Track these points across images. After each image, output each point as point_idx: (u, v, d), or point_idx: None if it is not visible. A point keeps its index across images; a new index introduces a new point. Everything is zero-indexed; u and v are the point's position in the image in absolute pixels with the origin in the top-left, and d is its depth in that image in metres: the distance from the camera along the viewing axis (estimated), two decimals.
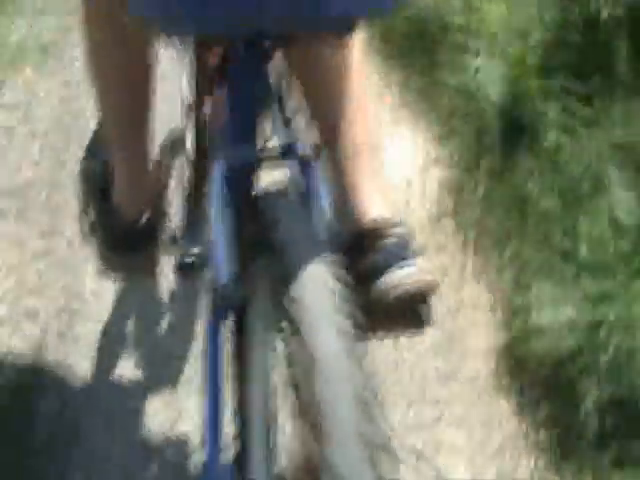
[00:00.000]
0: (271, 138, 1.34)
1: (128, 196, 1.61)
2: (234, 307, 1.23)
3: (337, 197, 1.33)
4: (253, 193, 1.25)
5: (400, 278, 1.34)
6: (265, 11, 1.07)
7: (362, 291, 1.25)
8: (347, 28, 1.20)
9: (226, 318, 1.27)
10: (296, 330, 1.00)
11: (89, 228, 1.74)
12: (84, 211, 1.75)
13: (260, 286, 1.18)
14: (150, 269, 1.75)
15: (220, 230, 1.21)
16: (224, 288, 1.19)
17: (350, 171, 1.41)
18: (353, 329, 1.01)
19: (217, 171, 1.25)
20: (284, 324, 1.05)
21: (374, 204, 1.39)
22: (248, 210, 1.20)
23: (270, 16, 1.08)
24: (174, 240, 1.68)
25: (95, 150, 1.72)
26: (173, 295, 2.15)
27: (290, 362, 1.04)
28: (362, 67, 1.45)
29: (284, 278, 1.03)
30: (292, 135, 1.40)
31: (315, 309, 1.00)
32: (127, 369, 2.07)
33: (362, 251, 1.35)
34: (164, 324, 2.16)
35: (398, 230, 1.37)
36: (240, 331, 1.25)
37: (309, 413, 0.96)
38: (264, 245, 1.12)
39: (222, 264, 1.20)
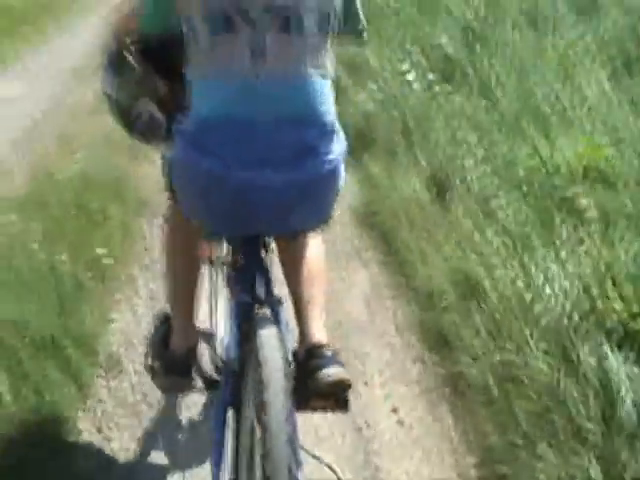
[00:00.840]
0: (259, 287, 2.39)
1: (179, 341, 2.71)
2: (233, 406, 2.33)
3: (297, 326, 2.50)
4: (250, 322, 2.24)
5: (330, 374, 2.33)
6: (262, 224, 2.33)
7: (307, 382, 2.32)
8: (307, 233, 2.51)
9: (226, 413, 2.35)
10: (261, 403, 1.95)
11: (152, 365, 2.80)
12: (150, 353, 2.82)
13: (247, 390, 2.21)
14: (189, 387, 2.82)
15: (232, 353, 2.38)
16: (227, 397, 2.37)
17: (305, 312, 2.51)
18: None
19: (231, 307, 2.50)
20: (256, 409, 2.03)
21: (319, 332, 2.47)
22: (247, 333, 2.23)
23: (264, 227, 2.36)
24: (205, 371, 2.77)
25: (161, 318, 2.86)
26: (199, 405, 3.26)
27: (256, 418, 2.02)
28: (320, 249, 2.63)
29: (260, 383, 1.98)
30: (271, 286, 2.46)
31: (272, 390, 1.95)
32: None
33: (310, 358, 2.37)
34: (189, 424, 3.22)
35: (330, 348, 2.42)
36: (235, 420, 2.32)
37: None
38: (253, 359, 2.10)
39: (228, 387, 2.37)
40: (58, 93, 7.47)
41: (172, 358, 2.72)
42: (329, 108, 2.29)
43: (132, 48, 2.50)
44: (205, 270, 2.97)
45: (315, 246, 2.61)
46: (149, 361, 2.81)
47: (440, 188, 4.79)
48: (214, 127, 2.21)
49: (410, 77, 6.47)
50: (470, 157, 4.94)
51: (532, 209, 4.27)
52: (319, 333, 2.46)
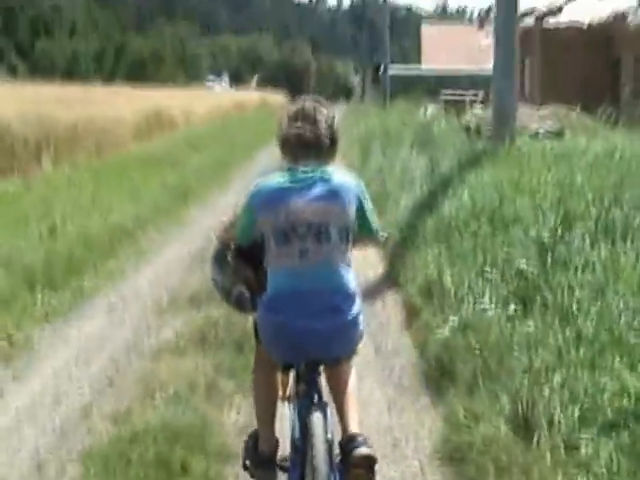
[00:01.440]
0: (314, 395, 3.92)
1: (264, 446, 4.14)
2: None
3: (339, 422, 3.95)
4: (309, 417, 3.73)
5: (361, 451, 3.74)
6: (313, 354, 3.84)
7: (347, 457, 3.75)
8: (344, 358, 3.98)
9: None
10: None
11: (245, 463, 4.27)
12: (244, 455, 4.28)
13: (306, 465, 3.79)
14: (273, 477, 4.19)
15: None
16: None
17: (345, 412, 3.95)
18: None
19: (297, 409, 3.97)
20: None
21: (355, 426, 3.89)
22: (306, 424, 3.74)
23: (314, 355, 3.84)
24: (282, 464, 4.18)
25: (252, 432, 4.28)
26: None
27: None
28: (353, 374, 4.08)
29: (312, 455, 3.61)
30: (321, 394, 3.94)
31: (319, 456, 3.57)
32: None
33: (349, 442, 3.77)
34: None
35: (362, 435, 3.82)
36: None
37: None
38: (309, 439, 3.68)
39: (296, 466, 3.92)
40: (139, 330, 7.57)
41: (260, 458, 4.20)
42: (350, 284, 3.92)
43: (230, 250, 4.15)
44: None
45: (350, 371, 4.11)
46: (244, 461, 4.28)
47: (523, 427, 4.68)
48: (280, 297, 3.86)
49: (486, 300, 6.46)
50: (552, 391, 4.83)
51: (625, 455, 4.13)
52: (354, 426, 3.92)
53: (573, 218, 7.81)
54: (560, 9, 33.82)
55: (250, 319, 4.31)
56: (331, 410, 3.90)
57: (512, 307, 6.26)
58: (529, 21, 33.00)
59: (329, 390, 4.05)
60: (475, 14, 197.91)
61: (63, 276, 9.11)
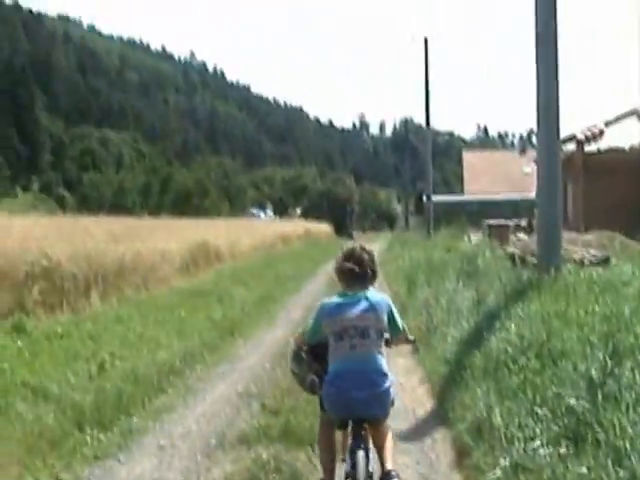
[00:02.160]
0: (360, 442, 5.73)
1: None
2: None
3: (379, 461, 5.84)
4: (355, 457, 5.62)
5: None
6: (359, 414, 5.69)
7: None
8: (381, 417, 5.81)
9: None
10: None
11: None
12: None
13: None
14: None
15: None
16: None
17: (383, 455, 5.79)
18: None
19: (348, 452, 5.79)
20: None
21: (390, 464, 5.72)
22: (354, 462, 5.61)
23: (361, 414, 5.70)
24: None
25: None
26: None
27: None
28: (388, 431, 5.95)
29: None
30: (367, 441, 5.83)
31: None
32: None
33: (385, 476, 5.62)
34: None
35: (395, 471, 5.67)
36: None
37: None
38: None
39: None
40: (189, 471, 7.55)
41: None
42: (383, 367, 5.72)
43: (303, 349, 6.13)
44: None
45: (387, 428, 5.90)
46: None
47: None
48: (337, 376, 5.66)
49: (537, 440, 6.39)
50: None
51: None
52: (390, 464, 5.69)
53: (622, 352, 7.73)
54: (601, 133, 34.14)
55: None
56: (373, 454, 5.84)
57: (564, 446, 6.18)
58: (571, 147, 33.28)
59: (372, 441, 5.88)
60: (517, 138, 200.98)
61: (112, 415, 9.13)
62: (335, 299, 5.98)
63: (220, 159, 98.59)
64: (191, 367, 12.03)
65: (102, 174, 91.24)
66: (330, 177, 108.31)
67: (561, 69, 16.01)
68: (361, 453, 5.59)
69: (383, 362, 5.77)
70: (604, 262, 16.75)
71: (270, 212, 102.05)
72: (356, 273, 5.97)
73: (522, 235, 32.28)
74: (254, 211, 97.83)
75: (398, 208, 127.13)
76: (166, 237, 24.90)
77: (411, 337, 6.45)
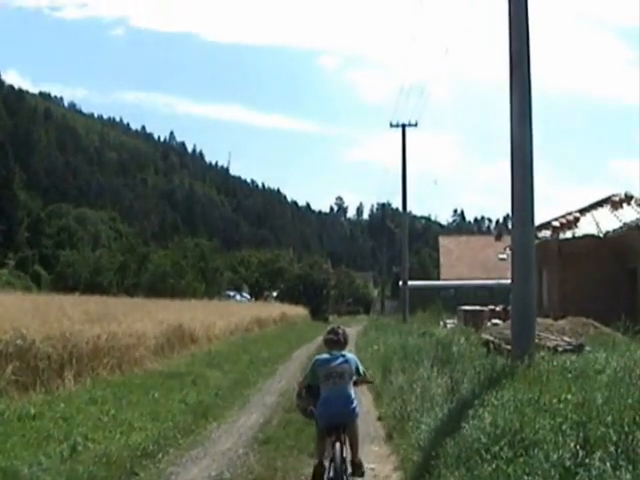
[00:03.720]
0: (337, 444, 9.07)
1: (317, 460, 9.50)
2: None
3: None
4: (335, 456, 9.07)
5: (363, 469, 9.55)
6: (339, 421, 9.23)
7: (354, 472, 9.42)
8: (351, 422, 9.34)
9: None
10: None
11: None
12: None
13: None
14: None
15: None
16: None
17: (353, 449, 9.45)
18: None
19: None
20: None
21: (357, 453, 9.52)
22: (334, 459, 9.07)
23: (340, 421, 9.23)
24: None
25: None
26: None
27: None
28: (358, 432, 9.69)
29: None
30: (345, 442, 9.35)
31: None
32: None
33: (354, 467, 9.39)
34: None
35: (360, 460, 9.50)
36: None
37: None
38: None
39: None
40: None
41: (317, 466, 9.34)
42: (352, 395, 9.24)
43: (303, 390, 9.67)
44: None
45: (356, 429, 9.42)
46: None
47: None
48: (325, 401, 9.18)
49: None
50: None
51: None
52: (358, 455, 9.43)
53: (594, 442, 7.80)
54: (576, 221, 34.57)
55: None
56: (346, 447, 9.11)
57: None
58: (546, 233, 33.64)
59: (347, 438, 9.20)
60: (493, 224, 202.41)
61: None
62: (324, 356, 9.54)
63: (197, 240, 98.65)
64: (164, 450, 11.97)
65: (79, 252, 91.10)
66: (307, 260, 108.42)
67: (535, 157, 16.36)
68: (338, 445, 8.95)
69: (352, 392, 9.31)
70: (578, 349, 16.84)
71: (246, 294, 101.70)
72: (335, 341, 9.64)
73: (497, 321, 32.40)
74: (230, 293, 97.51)
75: (374, 292, 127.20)
76: (141, 318, 24.81)
77: (370, 379, 10.74)
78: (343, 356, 9.39)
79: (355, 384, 9.45)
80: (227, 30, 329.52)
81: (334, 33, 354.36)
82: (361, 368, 9.62)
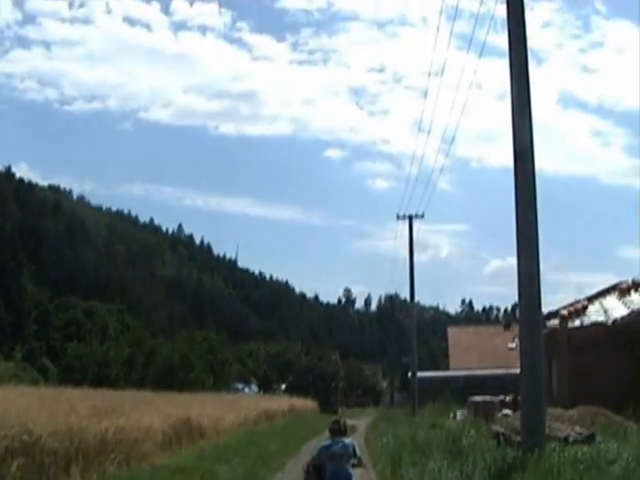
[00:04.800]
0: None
1: None
2: None
3: None
4: None
5: None
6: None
7: None
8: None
9: None
10: None
11: None
12: None
13: None
14: None
15: None
16: None
17: None
18: None
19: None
20: None
21: None
22: None
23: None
24: None
25: None
26: None
27: None
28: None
29: None
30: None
31: None
32: None
33: None
34: None
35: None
36: None
37: None
38: None
39: None
40: None
41: None
42: (350, 471, 11.48)
43: (311, 468, 11.93)
44: None
45: None
46: None
47: None
48: (331, 475, 11.46)
49: None
50: None
51: None
52: None
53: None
54: (585, 309, 34.49)
55: None
56: None
57: None
58: (554, 322, 33.55)
59: None
60: (501, 313, 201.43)
61: None
62: (327, 442, 11.72)
63: (205, 333, 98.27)
64: None
65: (86, 345, 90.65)
66: (315, 352, 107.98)
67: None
68: None
69: (351, 471, 11.40)
70: (589, 439, 16.67)
71: (255, 387, 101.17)
72: (337, 430, 11.79)
73: (507, 411, 32.13)
74: (239, 386, 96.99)
75: (383, 384, 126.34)
76: (149, 412, 24.65)
77: (364, 463, 12.42)
78: (343, 442, 11.73)
79: (353, 466, 11.63)
80: (234, 123, 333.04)
81: (341, 127, 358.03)
82: (357, 451, 11.83)
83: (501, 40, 18.42)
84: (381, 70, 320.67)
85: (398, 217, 52.95)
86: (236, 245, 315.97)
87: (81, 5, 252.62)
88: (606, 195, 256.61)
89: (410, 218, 52.19)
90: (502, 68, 18.45)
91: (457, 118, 32.35)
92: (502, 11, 18.10)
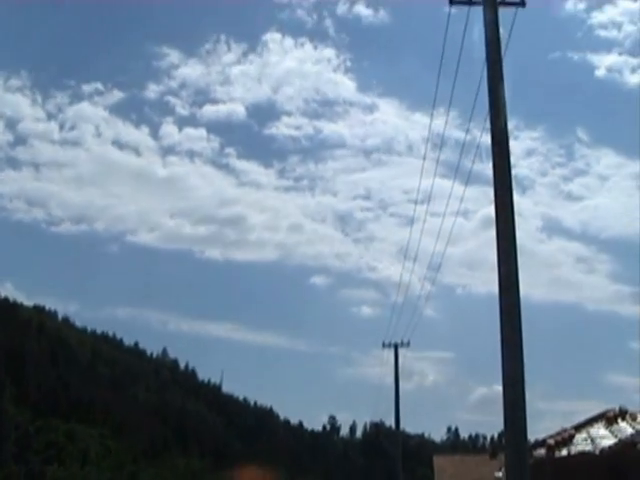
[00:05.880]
0: None
1: None
2: None
3: None
4: None
5: None
6: None
7: None
8: None
9: None
10: None
11: None
12: None
13: None
14: None
15: None
16: None
17: None
18: None
19: None
20: None
21: None
22: None
23: None
24: None
25: None
26: None
27: None
28: None
29: None
30: None
31: None
32: None
33: None
34: None
35: None
36: None
37: None
38: None
39: None
40: None
41: None
42: None
43: None
44: None
45: None
46: None
47: None
48: None
49: None
50: None
51: None
52: None
53: None
54: (571, 438, 34.17)
55: None
56: None
57: None
58: (541, 451, 33.19)
59: None
60: (488, 441, 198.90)
61: None
62: None
63: (188, 458, 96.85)
64: None
65: (66, 469, 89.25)
66: (300, 478, 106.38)
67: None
68: None
69: None
70: None
71: None
72: None
73: None
74: None
75: None
76: None
77: None
78: None
79: None
80: (220, 248, 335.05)
81: (326, 253, 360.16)
82: None
83: (486, 168, 18.78)
84: (367, 197, 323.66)
85: (384, 345, 53.26)
86: (221, 370, 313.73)
87: (72, 128, 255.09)
88: (591, 322, 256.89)
89: (396, 346, 52.50)
90: (487, 195, 18.77)
91: (443, 245, 32.58)
92: (487, 139, 18.49)
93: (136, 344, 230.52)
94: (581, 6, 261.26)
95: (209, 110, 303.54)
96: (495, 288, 17.20)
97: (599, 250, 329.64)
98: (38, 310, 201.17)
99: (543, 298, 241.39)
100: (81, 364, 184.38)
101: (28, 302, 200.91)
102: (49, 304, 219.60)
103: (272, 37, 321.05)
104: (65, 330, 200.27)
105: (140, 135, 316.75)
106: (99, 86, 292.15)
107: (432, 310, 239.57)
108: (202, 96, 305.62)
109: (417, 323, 59.23)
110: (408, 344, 52.41)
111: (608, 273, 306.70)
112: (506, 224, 17.28)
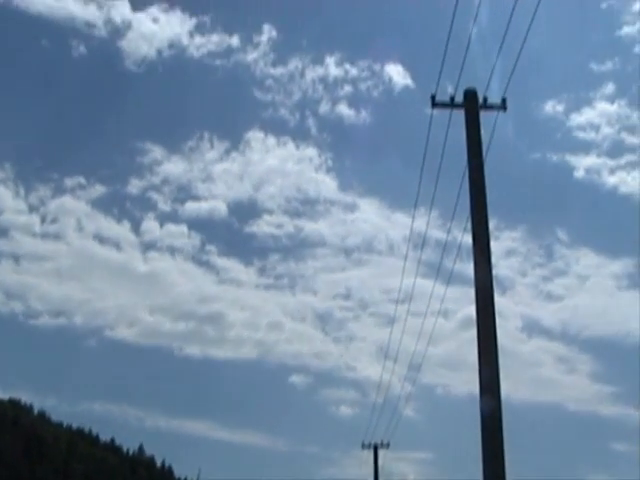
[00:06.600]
0: None
1: None
2: None
3: None
4: None
5: None
6: None
7: None
8: None
9: None
10: None
11: None
12: None
13: None
14: None
15: None
16: None
17: None
18: None
19: None
20: None
21: None
22: None
23: None
24: None
25: None
26: None
27: None
28: None
29: None
30: None
31: None
32: None
33: None
34: None
35: None
36: None
37: None
38: None
39: None
40: None
41: None
42: None
43: None
44: None
45: None
46: None
47: None
48: None
49: None
50: None
51: None
52: None
53: None
54: None
55: None
56: None
57: None
58: None
59: None
60: None
61: None
62: None
63: None
64: None
65: None
66: None
67: None
68: None
69: None
70: None
71: None
72: None
73: None
74: None
75: None
76: None
77: None
78: None
79: None
80: (199, 345, 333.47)
81: (306, 352, 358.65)
82: None
83: (467, 268, 18.75)
84: (347, 296, 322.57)
85: (363, 446, 52.52)
86: (198, 468, 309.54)
87: (53, 221, 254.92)
88: (572, 422, 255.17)
89: (375, 448, 51.70)
90: (467, 295, 18.70)
91: (424, 346, 32.46)
92: (469, 239, 18.48)
93: (112, 440, 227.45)
94: (559, 108, 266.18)
95: (191, 207, 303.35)
96: (475, 388, 17.05)
97: (580, 350, 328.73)
98: (13, 404, 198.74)
99: (524, 398, 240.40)
100: (55, 460, 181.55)
101: (3, 395, 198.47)
102: (25, 398, 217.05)
103: (255, 135, 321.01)
104: (40, 425, 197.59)
105: (121, 230, 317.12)
106: (82, 180, 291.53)
107: (412, 410, 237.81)
108: (184, 192, 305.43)
109: (397, 423, 58.82)
110: (388, 445, 51.65)
111: (589, 373, 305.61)
112: (487, 324, 17.18)
